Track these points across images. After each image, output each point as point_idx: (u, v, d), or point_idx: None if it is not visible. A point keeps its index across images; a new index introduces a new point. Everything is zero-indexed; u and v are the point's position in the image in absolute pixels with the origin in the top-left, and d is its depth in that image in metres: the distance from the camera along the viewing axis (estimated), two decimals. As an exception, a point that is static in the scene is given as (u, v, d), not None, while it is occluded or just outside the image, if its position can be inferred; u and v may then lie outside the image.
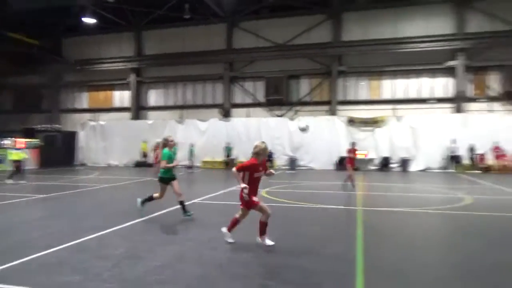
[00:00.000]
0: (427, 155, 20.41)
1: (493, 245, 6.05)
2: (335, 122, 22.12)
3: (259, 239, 5.69)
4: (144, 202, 8.02)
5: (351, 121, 21.93)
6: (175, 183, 7.79)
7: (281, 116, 23.80)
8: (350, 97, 23.06)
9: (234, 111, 24.70)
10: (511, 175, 17.75)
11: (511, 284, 4.45)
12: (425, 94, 21.88)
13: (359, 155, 21.12)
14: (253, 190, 5.61)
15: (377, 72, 22.54)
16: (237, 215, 5.80)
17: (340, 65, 22.80)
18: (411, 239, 6.48)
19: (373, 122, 21.70)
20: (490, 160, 19.59)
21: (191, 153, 20.70)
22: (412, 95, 22.05)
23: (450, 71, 21.25)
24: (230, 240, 5.78)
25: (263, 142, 5.73)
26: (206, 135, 24.01)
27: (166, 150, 7.72)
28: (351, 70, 22.83)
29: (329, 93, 22.98)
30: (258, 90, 24.33)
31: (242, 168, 5.55)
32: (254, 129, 22.95)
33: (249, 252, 5.42)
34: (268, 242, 5.63)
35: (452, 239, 6.73)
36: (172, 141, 7.90)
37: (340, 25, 22.75)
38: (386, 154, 21.14)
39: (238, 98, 25.00)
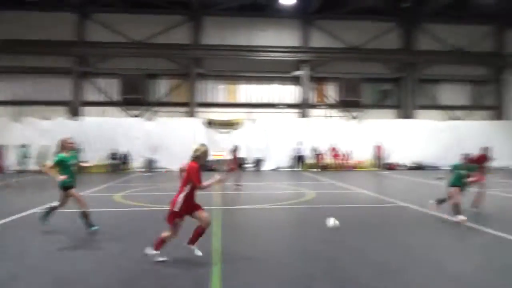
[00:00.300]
0: (278, 156, 22.34)
1: (326, 231, 6.96)
2: (193, 124, 22.33)
3: (190, 246, 5.15)
4: (46, 215, 6.95)
5: (210, 123, 22.47)
6: (72, 191, 6.71)
7: (138, 116, 22.85)
8: (209, 99, 23.61)
9: (86, 109, 22.62)
10: (344, 172, 20.80)
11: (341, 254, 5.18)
12: (276, 100, 23.90)
13: (217, 156, 21.85)
14: (191, 197, 5.05)
15: (234, 77, 23.66)
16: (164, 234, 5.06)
17: (199, 68, 23.12)
18: (263, 232, 6.99)
19: (230, 124, 22.66)
20: (328, 159, 22.56)
21: (24, 155, 17.61)
22: (265, 100, 23.83)
23: (296, 80, 23.70)
24: (162, 259, 5.03)
25: (203, 144, 5.28)
26: (50, 136, 21.22)
27: (61, 154, 6.65)
28: (210, 73, 23.40)
29: (188, 94, 23.07)
30: (113, 88, 22.81)
31: (198, 178, 4.93)
32: (109, 129, 21.42)
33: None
34: (197, 252, 5.16)
35: (296, 229, 7.52)
36: (71, 143, 6.95)
37: (199, 28, 23.09)
38: (242, 155, 22.27)
39: (91, 96, 22.99)
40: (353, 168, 22.32)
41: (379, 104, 24.57)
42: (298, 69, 23.49)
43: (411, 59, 23.85)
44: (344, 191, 13.17)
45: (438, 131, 23.35)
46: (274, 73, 23.55)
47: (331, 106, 24.20)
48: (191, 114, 22.88)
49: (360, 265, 5.17)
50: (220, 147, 21.50)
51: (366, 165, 22.78)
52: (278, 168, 22.35)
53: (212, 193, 11.97)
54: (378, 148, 22.68)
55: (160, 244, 5.00)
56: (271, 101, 23.89)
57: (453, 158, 25.19)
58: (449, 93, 24.89)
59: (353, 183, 15.01)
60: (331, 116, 24.04)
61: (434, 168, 22.34)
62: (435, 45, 24.06)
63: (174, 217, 4.94)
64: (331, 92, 24.27)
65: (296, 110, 23.83)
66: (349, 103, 23.72)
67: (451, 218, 7.93)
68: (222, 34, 23.08)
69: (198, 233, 5.12)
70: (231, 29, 23.23)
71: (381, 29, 23.80)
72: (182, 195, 4.95)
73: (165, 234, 5.00)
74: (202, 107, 23.29)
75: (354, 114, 23.98)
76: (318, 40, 23.62)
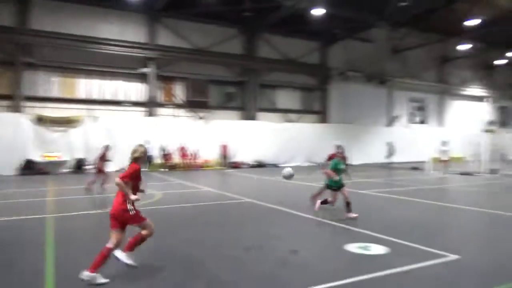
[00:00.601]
0: (123, 156, 21.04)
1: (176, 228, 6.90)
2: (19, 120, 19.22)
3: (120, 255, 4.65)
4: None
5: (40, 120, 19.67)
6: None
7: None
8: (40, 93, 20.63)
9: None
10: (192, 171, 21.01)
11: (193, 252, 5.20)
12: (120, 97, 22.48)
13: (49, 157, 19.37)
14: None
15: (72, 69, 21.23)
16: (110, 244, 4.49)
17: (27, 56, 19.98)
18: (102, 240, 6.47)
19: (66, 122, 20.29)
20: (177, 158, 22.44)
21: None
22: (108, 96, 22.17)
23: (143, 77, 22.78)
24: (103, 281, 4.35)
25: (141, 145, 4.97)
26: None
27: None
28: (42, 63, 20.46)
29: (12, 86, 19.70)
30: None
31: (130, 177, 4.63)
32: None
33: None
34: (132, 261, 4.72)
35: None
36: None
37: (27, 10, 19.95)
38: (81, 156, 20.26)
39: None
40: (201, 167, 22.75)
41: (225, 105, 25.66)
42: (145, 66, 22.64)
43: (253, 65, 25.62)
44: (192, 190, 13.29)
45: (276, 132, 25.74)
46: (118, 69, 22.10)
47: (179, 105, 24.11)
48: (16, 108, 19.60)
49: (210, 259, 5.27)
50: (53, 147, 19.17)
51: (213, 164, 23.50)
52: (123, 169, 21.07)
53: (46, 198, 10.56)
54: (224, 148, 23.68)
55: (132, 246, 4.83)
56: (115, 98, 22.36)
57: (289, 156, 27.90)
58: (285, 98, 27.71)
59: (200, 182, 15.29)
60: (178, 116, 23.93)
61: (274, 166, 24.54)
62: (274, 54, 26.45)
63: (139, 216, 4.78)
64: (179, 92, 24.18)
65: (143, 109, 22.91)
66: (197, 104, 24.07)
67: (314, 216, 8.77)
68: (57, 20, 20.43)
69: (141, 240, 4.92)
70: (69, 17, 20.78)
71: (225, 34, 24.88)
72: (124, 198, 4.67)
73: (144, 232, 4.84)
74: (32, 101, 20.17)
75: (201, 114, 24.45)
76: (165, 38, 23.23)
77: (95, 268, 4.36)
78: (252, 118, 25.60)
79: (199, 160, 22.98)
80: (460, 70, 35.59)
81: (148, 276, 4.70)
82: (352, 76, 29.14)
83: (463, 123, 34.78)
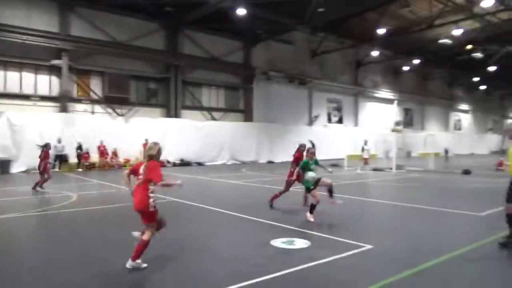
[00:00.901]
0: (31, 155, 19.19)
1: (94, 231, 6.48)
2: None
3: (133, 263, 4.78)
4: None
5: None
6: None
7: None
8: None
9: None
10: (112, 171, 19.89)
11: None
12: (28, 90, 20.46)
13: None
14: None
15: (-32, 58, 18.84)
16: (145, 236, 4.88)
17: None
18: (17, 245, 5.85)
19: (-38, 118, 17.96)
20: (95, 157, 21.06)
21: None
22: (13, 89, 20.04)
23: (55, 70, 20.99)
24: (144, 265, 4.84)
25: (156, 143, 5.16)
26: None
27: None
28: None
29: None
30: None
31: (160, 174, 4.84)
32: None
33: None
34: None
35: (54, 237, 6.65)
36: None
37: None
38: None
39: None
40: (122, 166, 21.65)
41: (147, 102, 24.74)
42: (57, 57, 20.84)
43: (176, 62, 24.98)
44: (112, 190, 12.60)
45: (200, 130, 25.48)
46: (26, 59, 20.07)
47: (96, 101, 22.65)
48: None
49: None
50: None
51: (135, 163, 22.50)
52: (32, 169, 19.22)
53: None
54: (146, 146, 22.77)
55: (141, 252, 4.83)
56: (21, 91, 20.27)
57: (214, 155, 27.96)
58: (209, 96, 27.55)
59: (122, 182, 14.55)
60: (96, 112, 22.47)
61: (199, 164, 24.30)
62: (197, 51, 26.14)
63: (155, 215, 4.98)
64: (96, 86, 22.71)
65: (54, 104, 21.10)
66: (116, 100, 22.84)
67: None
68: None
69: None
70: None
71: (146, 29, 23.96)
72: (149, 193, 4.86)
73: (145, 237, 4.88)
74: None
75: (122, 111, 23.28)
76: (80, 29, 21.63)
77: (137, 257, 4.78)
78: (175, 115, 25.02)
79: (120, 159, 21.86)
80: (372, 74, 38.60)
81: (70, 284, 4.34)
82: (275, 76, 29.98)
83: (375, 123, 37.77)
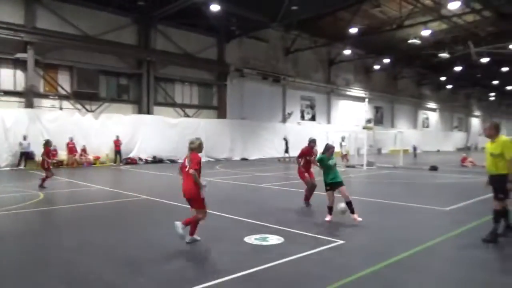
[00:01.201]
0: (-5, 153, 18.44)
1: (61, 230, 6.30)
2: None
3: (179, 225, 5.58)
4: None
5: None
6: None
7: None
8: None
9: None
10: (81, 169, 19.33)
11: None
12: (-9, 85, 19.57)
13: None
14: None
15: None
16: (200, 215, 5.78)
17: None
18: None
19: None
20: (63, 155, 20.39)
21: None
22: (-25, 84, 19.12)
23: (20, 64, 20.13)
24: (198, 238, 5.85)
25: (198, 138, 5.97)
26: None
27: None
28: None
29: None
30: None
31: (199, 165, 5.69)
32: None
33: None
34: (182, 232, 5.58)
35: (23, 238, 6.41)
36: None
37: None
38: None
39: None
40: (92, 164, 21.12)
41: (118, 98, 24.17)
42: (22, 51, 19.99)
43: (148, 57, 24.47)
44: (81, 188, 12.27)
45: (173, 127, 25.15)
46: (-12, 52, 19.18)
47: (65, 97, 21.93)
48: None
49: (104, 262, 4.94)
50: None
51: (105, 160, 22.02)
52: (-5, 167, 18.46)
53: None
54: (117, 143, 22.32)
55: (195, 226, 5.81)
56: (-16, 86, 19.37)
57: (186, 151, 27.59)
58: (182, 93, 27.22)
59: (92, 180, 14.19)
60: (62, 108, 21.71)
61: (172, 161, 24.01)
62: (170, 47, 25.74)
63: (202, 202, 5.74)
64: (65, 82, 21.97)
65: (20, 99, 20.26)
66: (85, 95, 22.20)
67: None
68: None
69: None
70: None
71: (118, 23, 23.37)
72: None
73: (198, 216, 5.75)
74: None
75: (91, 107, 22.65)
76: (47, 22, 20.81)
77: (193, 233, 5.81)
78: (147, 112, 24.56)
79: (90, 156, 21.28)
80: (344, 72, 39.25)
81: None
82: (249, 73, 29.97)
83: (347, 120, 38.45)
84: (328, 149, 7.68)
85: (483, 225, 6.79)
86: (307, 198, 9.11)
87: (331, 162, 7.50)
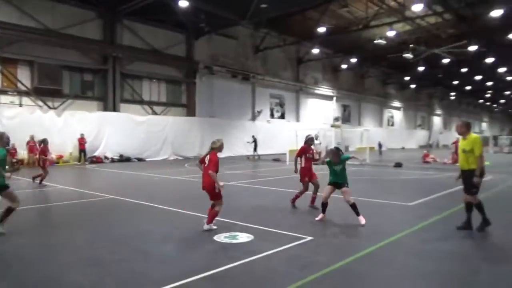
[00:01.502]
0: None
1: (24, 232, 6.02)
2: None
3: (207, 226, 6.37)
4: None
5: None
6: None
7: None
8: None
9: None
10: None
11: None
12: None
13: None
14: None
15: None
16: (217, 208, 6.44)
17: None
18: None
19: None
20: (23, 154, 19.48)
21: None
22: None
23: (-24, 58, 19.09)
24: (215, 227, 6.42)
25: (219, 139, 6.52)
26: None
27: None
28: None
29: None
30: None
31: (217, 165, 6.25)
32: None
33: None
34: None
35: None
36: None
37: None
38: None
39: None
40: (55, 163, 20.31)
41: (82, 95, 23.37)
42: (-23, 44, 18.97)
43: (113, 53, 23.76)
44: (44, 189, 11.77)
45: (141, 125, 24.62)
46: None
47: (25, 93, 20.95)
48: None
49: (71, 263, 4.76)
50: None
51: (69, 159, 21.26)
52: None
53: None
54: (82, 141, 21.59)
55: (213, 218, 6.45)
56: None
57: (155, 150, 27.25)
58: (150, 90, 26.68)
59: (54, 180, 13.64)
60: (22, 105, 20.74)
61: (139, 160, 23.51)
62: (137, 43, 25.15)
63: (219, 194, 6.38)
64: (25, 77, 20.99)
65: (-24, 95, 19.22)
66: (47, 92, 21.29)
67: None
68: None
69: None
70: None
71: (82, 17, 22.56)
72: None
73: (217, 209, 6.46)
74: None
75: (54, 104, 21.78)
76: (5, 14, 19.72)
77: (211, 221, 6.41)
78: (114, 109, 23.90)
79: (52, 155, 20.42)
80: (313, 71, 39.76)
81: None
82: (218, 71, 29.77)
83: (315, 118, 38.99)
84: (330, 153, 7.53)
85: (444, 219, 7.06)
86: (294, 200, 8.85)
87: (336, 168, 7.30)
